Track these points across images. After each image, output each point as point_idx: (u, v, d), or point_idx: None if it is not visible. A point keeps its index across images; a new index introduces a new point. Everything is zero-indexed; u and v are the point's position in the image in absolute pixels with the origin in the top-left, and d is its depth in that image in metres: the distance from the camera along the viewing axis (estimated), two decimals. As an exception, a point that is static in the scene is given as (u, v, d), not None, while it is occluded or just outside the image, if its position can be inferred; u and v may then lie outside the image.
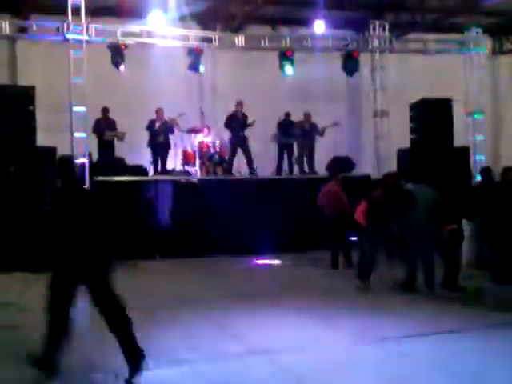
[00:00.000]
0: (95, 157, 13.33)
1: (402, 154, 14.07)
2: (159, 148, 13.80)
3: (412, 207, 8.64)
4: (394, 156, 14.21)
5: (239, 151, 14.19)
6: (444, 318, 7.28)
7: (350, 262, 10.99)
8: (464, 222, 9.55)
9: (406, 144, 14.10)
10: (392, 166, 13.99)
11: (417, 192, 8.75)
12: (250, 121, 14.03)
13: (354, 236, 10.73)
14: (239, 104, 14.10)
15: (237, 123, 14.03)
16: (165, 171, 13.78)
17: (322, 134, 14.71)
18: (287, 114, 14.73)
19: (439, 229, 8.47)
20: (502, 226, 9.06)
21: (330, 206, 11.24)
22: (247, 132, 14.13)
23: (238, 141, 14.03)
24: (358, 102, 17.15)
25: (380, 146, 14.51)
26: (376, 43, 14.57)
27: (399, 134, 14.24)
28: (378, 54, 14.55)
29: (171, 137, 13.98)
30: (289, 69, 14.12)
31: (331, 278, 10.40)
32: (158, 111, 13.81)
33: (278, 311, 7.77)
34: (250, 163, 14.16)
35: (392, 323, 7.09)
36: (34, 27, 12.81)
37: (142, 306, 8.09)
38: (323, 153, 14.88)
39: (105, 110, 13.66)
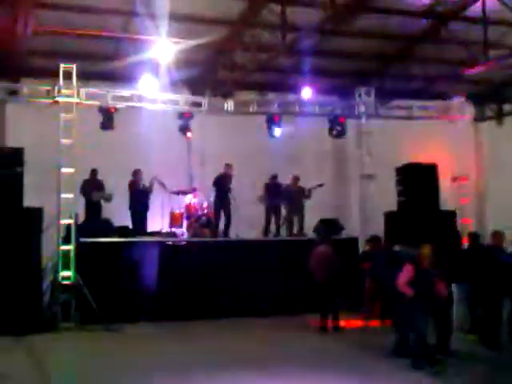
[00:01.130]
0: (82, 218, 13.26)
1: (388, 217, 14.15)
2: (139, 209, 13.76)
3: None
4: (380, 219, 14.29)
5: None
6: None
7: (338, 326, 11.04)
8: (453, 285, 9.53)
9: (392, 207, 14.22)
10: (379, 228, 14.06)
11: (407, 255, 8.75)
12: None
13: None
14: (229, 166, 14.22)
15: (224, 185, 14.10)
16: (145, 233, 13.70)
17: (308, 196, 14.81)
18: (274, 176, 14.87)
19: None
20: (490, 291, 9.02)
21: (321, 270, 11.21)
22: (236, 194, 14.17)
23: (222, 202, 14.04)
24: (345, 165, 17.38)
25: (366, 208, 14.59)
26: (362, 109, 14.89)
27: (385, 196, 14.36)
28: (364, 119, 14.84)
29: (158, 197, 13.98)
30: (276, 131, 14.35)
31: (321, 341, 10.22)
32: (137, 172, 13.86)
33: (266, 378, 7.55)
34: (227, 226, 14.10)
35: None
36: (25, 90, 12.97)
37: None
38: (310, 215, 14.92)
39: (93, 172, 13.70)
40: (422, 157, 14.19)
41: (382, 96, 15.50)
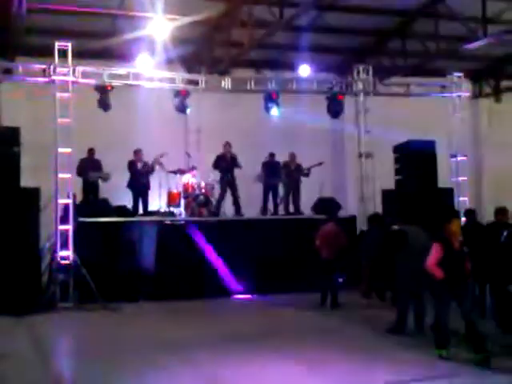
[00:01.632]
0: (79, 197, 13.23)
1: (386, 195, 14.15)
2: (140, 189, 13.75)
3: (403, 249, 8.64)
4: (378, 197, 14.30)
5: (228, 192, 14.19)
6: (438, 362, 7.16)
7: (336, 303, 11.22)
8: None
9: (390, 185, 14.21)
10: (376, 207, 14.09)
11: (408, 233, 8.76)
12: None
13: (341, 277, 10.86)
14: (227, 145, 14.16)
15: (225, 164, 14.07)
16: (147, 212, 13.69)
17: (307, 174, 14.80)
18: (272, 155, 14.83)
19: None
20: (496, 267, 8.88)
21: (328, 247, 11.29)
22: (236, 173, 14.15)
23: (227, 181, 14.04)
24: (343, 144, 17.33)
25: (364, 186, 14.58)
26: (360, 86, 14.78)
27: (383, 175, 14.35)
28: (361, 96, 14.75)
29: (155, 177, 13.95)
30: (274, 110, 14.25)
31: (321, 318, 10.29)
32: (137, 152, 13.83)
33: (271, 355, 7.61)
34: (236, 204, 14.13)
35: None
36: (20, 69, 12.83)
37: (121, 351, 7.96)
38: (308, 193, 14.93)
39: (90, 151, 13.63)
40: (420, 135, 14.12)
41: (379, 73, 15.40)
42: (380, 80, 15.31)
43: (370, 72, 14.78)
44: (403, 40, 16.10)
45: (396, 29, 15.93)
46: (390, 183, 14.24)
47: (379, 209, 13.92)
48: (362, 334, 8.90)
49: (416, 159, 13.89)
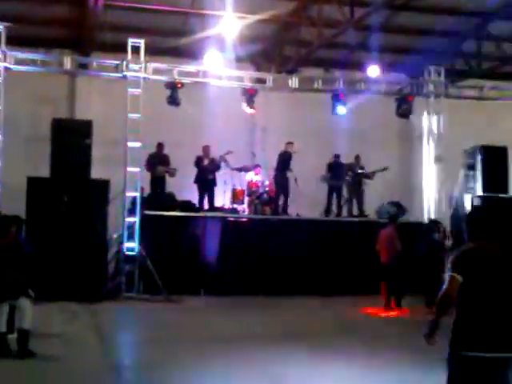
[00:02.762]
0: (147, 191, 13.51)
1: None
2: (206, 185, 13.91)
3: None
4: (444, 202, 13.93)
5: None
6: None
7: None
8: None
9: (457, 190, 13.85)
10: (442, 212, 13.73)
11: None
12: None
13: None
14: (290, 144, 14.14)
15: (283, 163, 14.04)
16: (213, 208, 13.83)
17: (371, 177, 14.58)
18: (336, 156, 14.69)
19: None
20: None
21: (385, 252, 11.30)
22: (297, 172, 14.08)
23: (281, 181, 14.01)
24: (411, 146, 16.94)
25: (431, 191, 14.22)
26: (431, 88, 14.42)
27: (452, 179, 13.97)
28: (432, 98, 14.38)
29: (220, 174, 14.08)
30: (341, 110, 14.11)
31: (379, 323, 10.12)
32: (205, 148, 13.97)
33: (327, 355, 7.55)
34: (285, 205, 14.07)
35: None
36: (94, 64, 13.24)
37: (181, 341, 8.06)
38: (373, 196, 14.70)
39: (159, 146, 13.89)
40: (493, 139, 13.66)
41: (452, 75, 14.99)
42: (452, 82, 14.90)
43: (442, 73, 14.41)
44: (478, 42, 15.62)
45: (471, 30, 15.46)
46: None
47: (446, 214, 13.56)
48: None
49: (487, 165, 13.46)
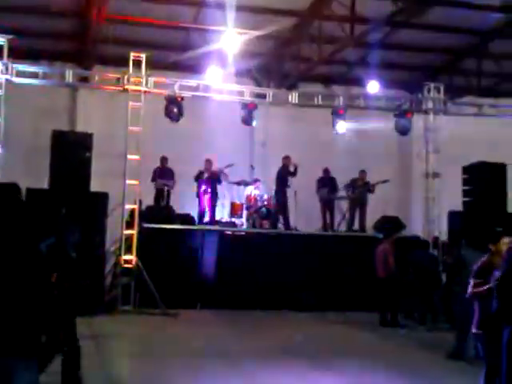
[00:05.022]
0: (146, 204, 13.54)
1: (453, 217, 13.80)
2: (207, 198, 13.92)
3: (463, 274, 8.36)
4: (443, 218, 13.95)
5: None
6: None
7: (397, 324, 11.06)
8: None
9: (455, 206, 13.85)
10: (441, 228, 13.75)
11: (469, 258, 8.48)
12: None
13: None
14: (286, 158, 14.19)
15: (281, 178, 14.09)
16: (213, 221, 13.85)
17: (372, 190, 14.62)
18: (325, 170, 14.75)
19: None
20: None
21: (380, 267, 11.41)
22: (297, 187, 14.11)
23: (279, 196, 14.04)
24: (410, 162, 17.00)
25: (430, 207, 14.24)
26: (430, 105, 14.49)
27: (449, 195, 14.01)
28: (431, 115, 14.45)
29: (219, 187, 14.12)
30: (341, 126, 14.15)
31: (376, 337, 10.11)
32: (207, 161, 14.02)
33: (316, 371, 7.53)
34: (284, 219, 14.08)
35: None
36: (96, 77, 13.34)
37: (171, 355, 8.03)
38: (371, 211, 14.72)
39: (163, 160, 13.96)
40: (492, 157, 13.70)
41: (451, 92, 15.06)
42: (451, 99, 14.97)
43: (442, 90, 14.48)
44: (478, 59, 15.72)
45: (470, 48, 15.57)
46: (456, 204, 13.87)
47: (444, 230, 13.59)
48: (421, 358, 8.66)
49: (486, 182, 13.49)
